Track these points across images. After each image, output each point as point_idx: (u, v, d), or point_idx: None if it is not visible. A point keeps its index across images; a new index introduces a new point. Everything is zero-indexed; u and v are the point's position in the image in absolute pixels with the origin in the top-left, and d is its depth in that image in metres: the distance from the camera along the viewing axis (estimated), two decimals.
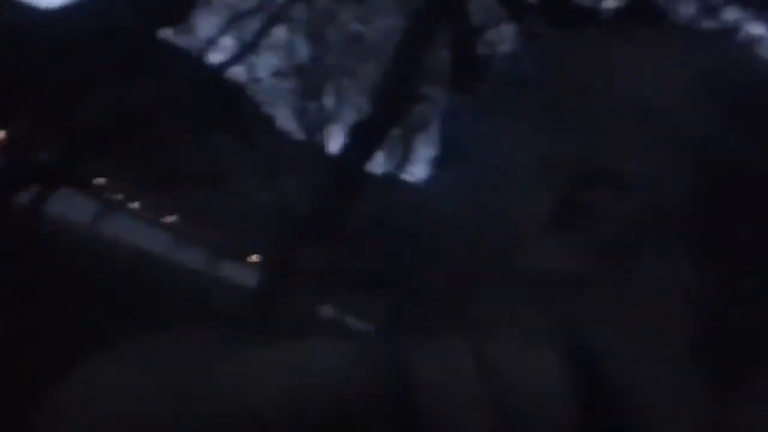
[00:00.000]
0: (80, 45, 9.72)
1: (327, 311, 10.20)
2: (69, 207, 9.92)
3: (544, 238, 0.42)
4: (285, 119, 12.09)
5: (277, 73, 13.26)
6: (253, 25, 13.18)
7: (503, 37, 9.62)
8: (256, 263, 9.54)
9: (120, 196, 9.80)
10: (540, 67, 0.48)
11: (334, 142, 10.84)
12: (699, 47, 0.49)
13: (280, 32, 13.59)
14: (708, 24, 9.04)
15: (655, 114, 0.44)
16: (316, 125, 12.53)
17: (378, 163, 12.11)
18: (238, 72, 12.69)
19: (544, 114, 0.45)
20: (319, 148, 11.73)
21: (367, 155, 8.78)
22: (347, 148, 8.55)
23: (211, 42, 12.54)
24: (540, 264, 0.42)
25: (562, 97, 0.45)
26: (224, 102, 11.74)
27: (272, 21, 13.19)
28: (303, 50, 13.71)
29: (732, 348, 0.44)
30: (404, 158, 12.77)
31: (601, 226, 0.41)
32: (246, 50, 12.95)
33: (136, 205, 9.98)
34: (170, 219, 10.07)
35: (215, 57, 12.69)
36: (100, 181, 10.09)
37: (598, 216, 0.42)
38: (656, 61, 0.47)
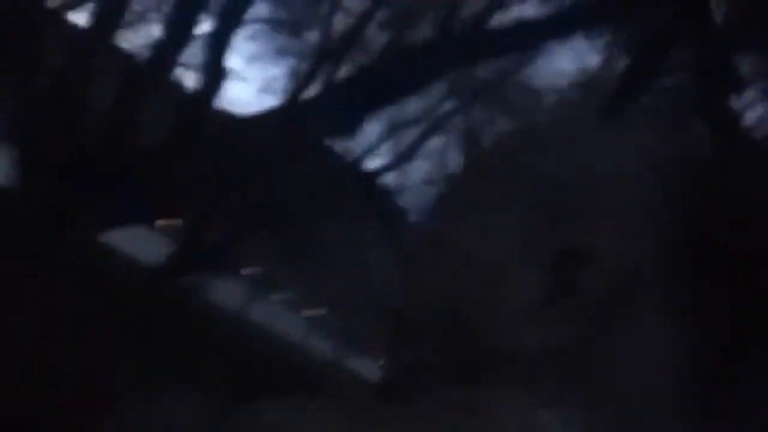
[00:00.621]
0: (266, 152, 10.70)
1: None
2: (221, 292, 10.85)
3: (530, 316, 0.62)
4: (430, 226, 12.67)
5: (428, 181, 13.93)
6: (412, 133, 13.97)
7: None
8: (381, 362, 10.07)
9: (267, 285, 10.69)
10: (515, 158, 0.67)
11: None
12: (661, 130, 0.69)
13: (436, 141, 14.27)
14: None
15: (627, 196, 0.63)
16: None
17: None
18: (390, 177, 13.53)
19: (522, 202, 0.66)
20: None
21: None
22: None
23: (370, 148, 13.41)
24: (526, 341, 0.61)
25: (539, 186, 0.64)
26: (373, 206, 12.54)
27: (430, 130, 13.94)
28: (456, 159, 14.30)
29: (712, 399, 0.63)
30: None
31: (583, 301, 0.60)
32: (401, 158, 13.72)
33: (281, 294, 10.83)
34: (311, 312, 10.81)
35: (371, 162, 13.56)
36: (251, 269, 11.00)
37: (579, 292, 0.61)
38: (621, 147, 0.67)
